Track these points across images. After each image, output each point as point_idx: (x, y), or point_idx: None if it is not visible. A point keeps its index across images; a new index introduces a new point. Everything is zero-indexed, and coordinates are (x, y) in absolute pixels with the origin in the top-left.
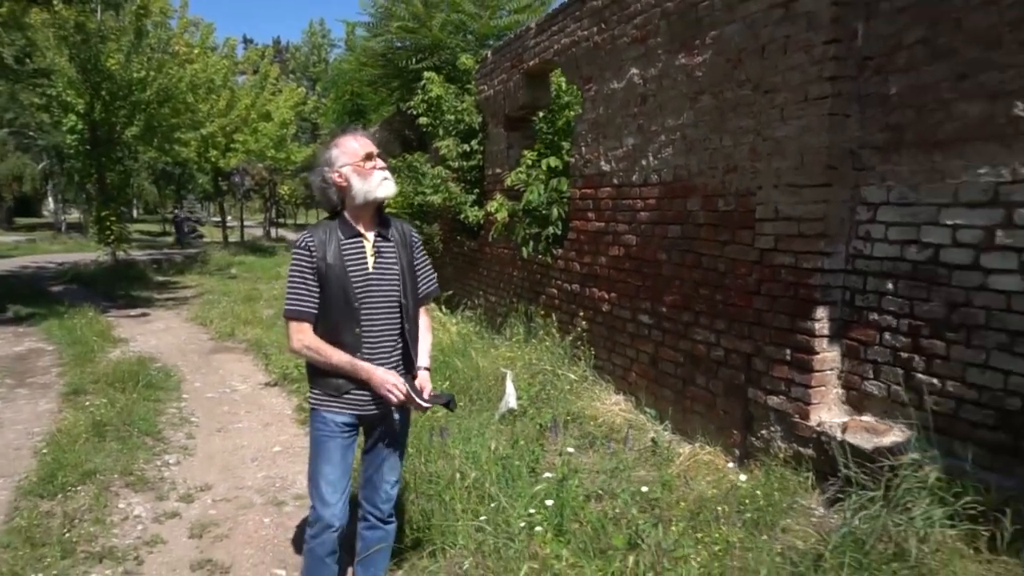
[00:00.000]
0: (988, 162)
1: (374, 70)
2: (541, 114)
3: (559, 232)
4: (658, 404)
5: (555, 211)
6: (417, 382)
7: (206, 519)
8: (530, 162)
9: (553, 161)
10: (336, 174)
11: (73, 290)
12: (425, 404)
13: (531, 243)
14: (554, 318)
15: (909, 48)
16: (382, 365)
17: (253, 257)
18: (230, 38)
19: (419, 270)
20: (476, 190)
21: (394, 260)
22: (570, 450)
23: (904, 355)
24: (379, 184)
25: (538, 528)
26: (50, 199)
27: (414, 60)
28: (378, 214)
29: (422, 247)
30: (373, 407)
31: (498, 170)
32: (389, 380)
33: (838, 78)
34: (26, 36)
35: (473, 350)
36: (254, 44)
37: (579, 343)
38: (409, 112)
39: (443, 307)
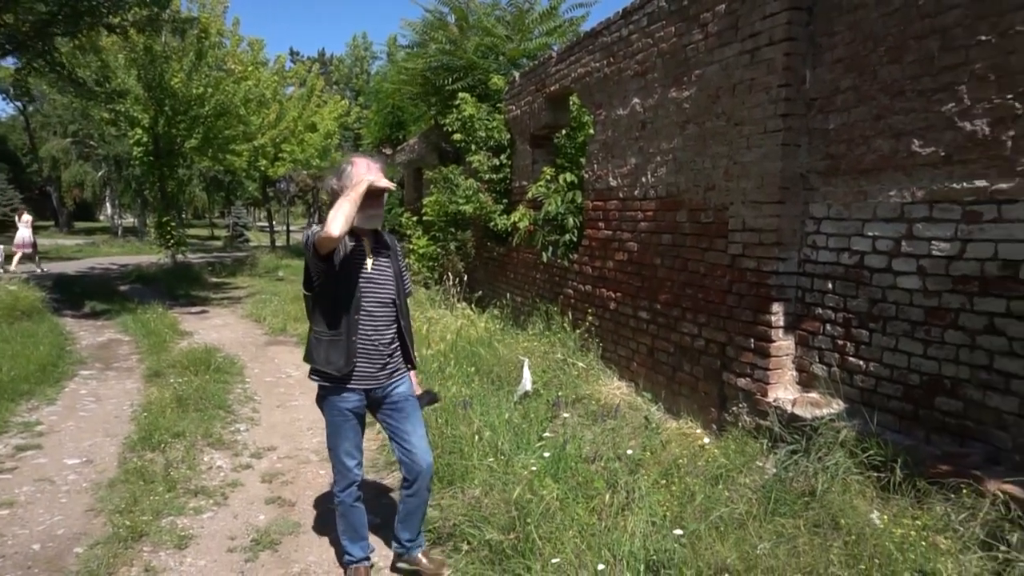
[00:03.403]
0: (896, 187)
1: (413, 88)
2: (564, 132)
3: (575, 239)
4: (654, 388)
5: (571, 220)
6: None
7: (274, 470)
8: (549, 177)
9: (570, 176)
10: (341, 187)
11: (138, 289)
12: None
13: (550, 248)
14: (569, 315)
15: (843, 93)
16: (382, 348)
17: (298, 261)
18: (280, 55)
19: (403, 275)
20: (505, 200)
21: (388, 265)
22: (566, 415)
23: (840, 342)
24: (366, 219)
25: (533, 467)
26: (107, 205)
27: (450, 80)
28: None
29: (404, 256)
30: (372, 381)
31: (524, 183)
32: (364, 176)
33: (790, 115)
34: (100, 59)
35: (496, 342)
36: (300, 57)
37: (588, 336)
38: (445, 127)
39: (472, 306)
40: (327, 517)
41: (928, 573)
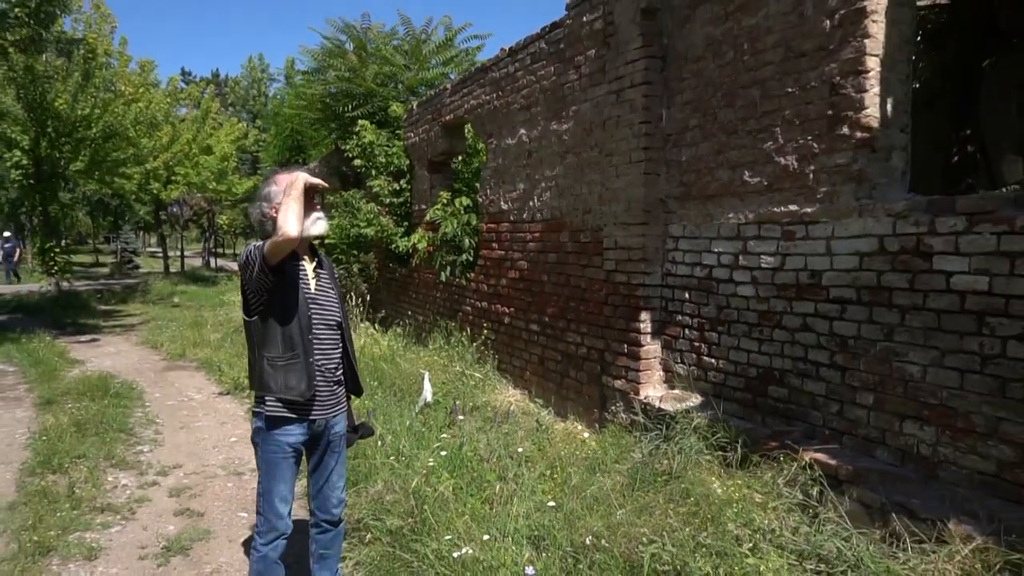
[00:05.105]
0: (733, 210)
1: (312, 113)
2: (461, 158)
3: (471, 259)
4: (544, 395)
5: (467, 241)
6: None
7: (181, 486)
8: (445, 200)
9: (465, 200)
10: (273, 209)
11: (20, 319)
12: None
13: (448, 268)
14: (467, 330)
15: (691, 130)
16: (329, 375)
17: (195, 287)
18: (173, 77)
19: (343, 298)
20: (405, 223)
21: (331, 286)
22: (461, 417)
23: (696, 344)
24: (312, 223)
25: (431, 463)
26: None
27: (350, 106)
28: (310, 247)
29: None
30: (321, 411)
31: (423, 206)
32: (297, 175)
33: (650, 148)
34: None
35: (399, 358)
36: (192, 77)
37: (484, 349)
38: (346, 152)
39: (376, 325)
40: (237, 522)
41: (748, 522)
